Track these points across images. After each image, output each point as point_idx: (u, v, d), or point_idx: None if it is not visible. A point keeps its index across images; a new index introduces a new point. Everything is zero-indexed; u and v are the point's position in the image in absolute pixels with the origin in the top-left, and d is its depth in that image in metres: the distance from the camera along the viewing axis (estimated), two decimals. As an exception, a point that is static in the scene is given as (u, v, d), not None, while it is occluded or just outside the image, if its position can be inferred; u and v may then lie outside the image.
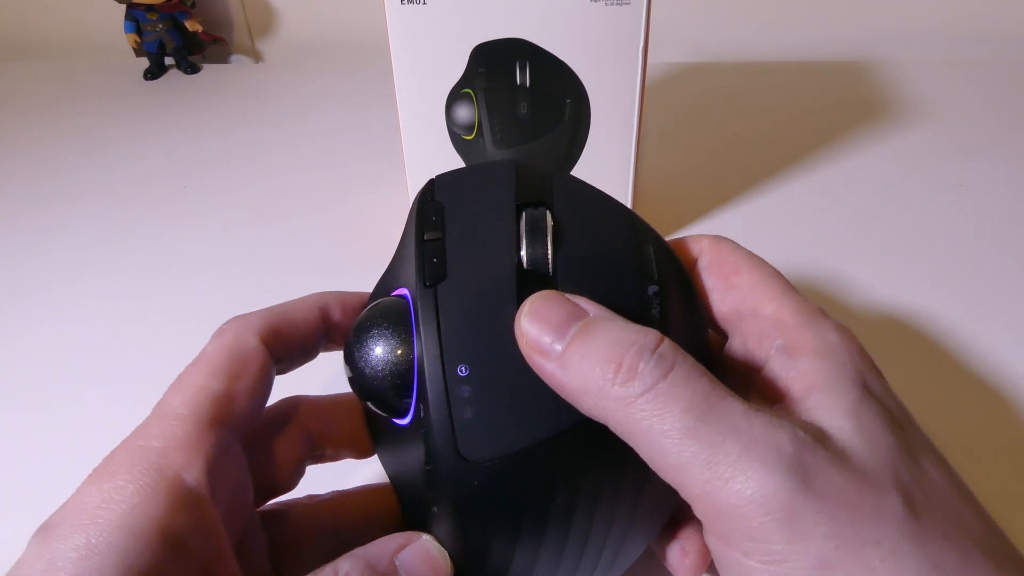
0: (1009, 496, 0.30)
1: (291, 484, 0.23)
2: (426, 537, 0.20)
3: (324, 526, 0.23)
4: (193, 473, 0.18)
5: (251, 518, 0.22)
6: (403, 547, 0.20)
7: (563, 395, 0.18)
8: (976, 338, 0.37)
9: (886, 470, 0.17)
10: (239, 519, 0.21)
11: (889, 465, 0.17)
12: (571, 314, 0.19)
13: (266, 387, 0.22)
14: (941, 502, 0.17)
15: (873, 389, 0.19)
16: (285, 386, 0.23)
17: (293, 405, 0.24)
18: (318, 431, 0.24)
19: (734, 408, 0.17)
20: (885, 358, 0.36)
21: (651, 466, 0.18)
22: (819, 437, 0.17)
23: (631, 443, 0.18)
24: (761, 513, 0.16)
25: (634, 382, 0.17)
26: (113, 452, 0.19)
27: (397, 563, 0.20)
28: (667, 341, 0.18)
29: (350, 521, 0.24)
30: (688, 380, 0.17)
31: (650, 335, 0.18)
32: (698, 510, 0.17)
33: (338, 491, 0.24)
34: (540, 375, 0.19)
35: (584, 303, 0.19)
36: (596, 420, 0.18)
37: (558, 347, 0.18)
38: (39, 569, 0.16)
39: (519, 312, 0.19)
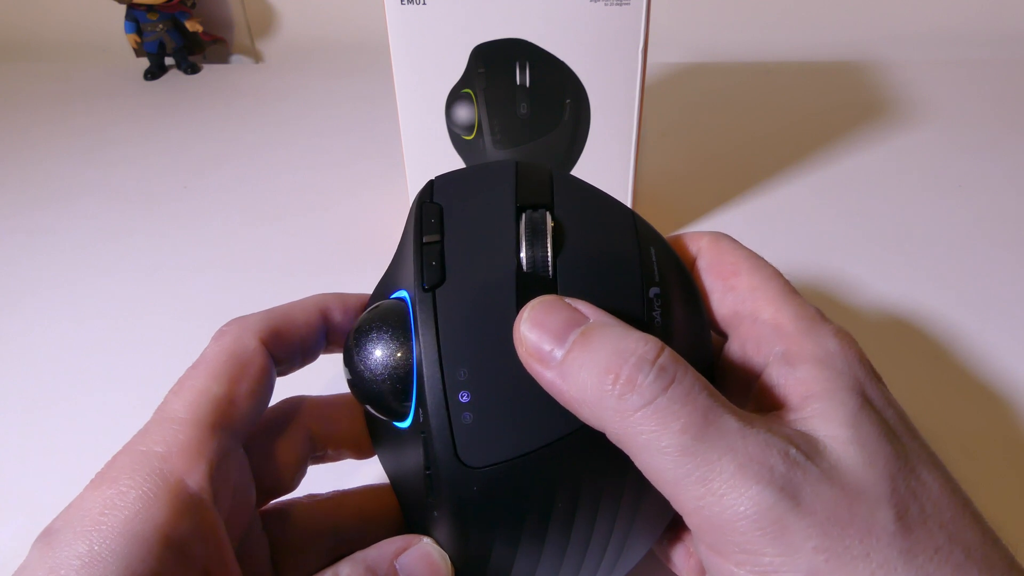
0: (1009, 498, 0.30)
1: (292, 485, 0.23)
2: (426, 540, 0.20)
3: (324, 525, 0.23)
4: (195, 478, 0.18)
5: (252, 519, 0.22)
6: (403, 550, 0.20)
7: (562, 403, 0.18)
8: (976, 338, 0.37)
9: (881, 481, 0.17)
10: (241, 522, 0.21)
11: (884, 476, 0.17)
12: (570, 320, 0.18)
13: (267, 389, 0.21)
14: (936, 513, 0.17)
15: (872, 398, 0.19)
16: (286, 387, 0.23)
17: (294, 406, 0.24)
18: (319, 431, 0.23)
19: (730, 425, 0.17)
20: (885, 358, 0.36)
21: (645, 476, 0.18)
22: (813, 451, 0.17)
23: (627, 453, 0.18)
24: (753, 528, 0.16)
25: (633, 395, 0.17)
26: (115, 457, 0.19)
27: (397, 566, 0.20)
28: (668, 351, 0.18)
29: (350, 521, 0.24)
30: (688, 396, 0.17)
31: (650, 344, 0.18)
32: (690, 522, 0.17)
33: (338, 491, 0.24)
34: (539, 383, 0.19)
35: (584, 307, 0.19)
36: (594, 428, 0.18)
37: (557, 355, 0.18)
38: None
39: (518, 318, 0.19)
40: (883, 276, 0.41)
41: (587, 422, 0.18)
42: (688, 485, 0.17)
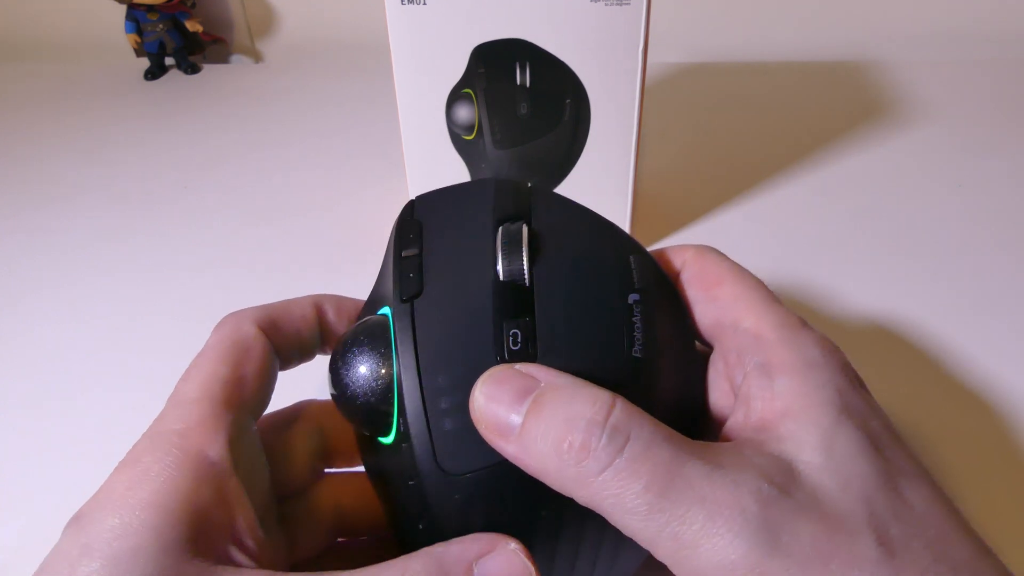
0: (1004, 503, 0.30)
1: (307, 481, 0.24)
2: (514, 545, 0.18)
3: (327, 501, 0.24)
4: (216, 448, 0.19)
5: (269, 504, 0.22)
6: (486, 553, 0.18)
7: (530, 474, 0.18)
8: (976, 339, 0.37)
9: (859, 505, 0.17)
10: (259, 498, 0.21)
11: (862, 499, 0.17)
12: (522, 389, 0.18)
13: (272, 371, 0.22)
14: (921, 531, 0.17)
15: (852, 409, 0.18)
16: (286, 389, 0.23)
17: (304, 406, 0.25)
18: (329, 427, 0.24)
19: (696, 473, 0.17)
20: (883, 359, 0.36)
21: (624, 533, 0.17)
22: (788, 480, 0.17)
23: (601, 515, 0.17)
24: None
25: (589, 461, 0.17)
26: (135, 443, 0.19)
27: (476, 573, 0.18)
28: (620, 406, 0.17)
29: (352, 500, 0.24)
30: (647, 453, 0.17)
31: (599, 404, 0.17)
32: (671, 570, 0.17)
33: (343, 471, 0.25)
34: (505, 457, 0.18)
35: (536, 371, 0.18)
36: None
37: (515, 428, 0.18)
38: (75, 554, 0.17)
39: (472, 393, 0.18)
40: (883, 276, 0.41)
41: (557, 490, 0.18)
42: (662, 541, 0.16)
